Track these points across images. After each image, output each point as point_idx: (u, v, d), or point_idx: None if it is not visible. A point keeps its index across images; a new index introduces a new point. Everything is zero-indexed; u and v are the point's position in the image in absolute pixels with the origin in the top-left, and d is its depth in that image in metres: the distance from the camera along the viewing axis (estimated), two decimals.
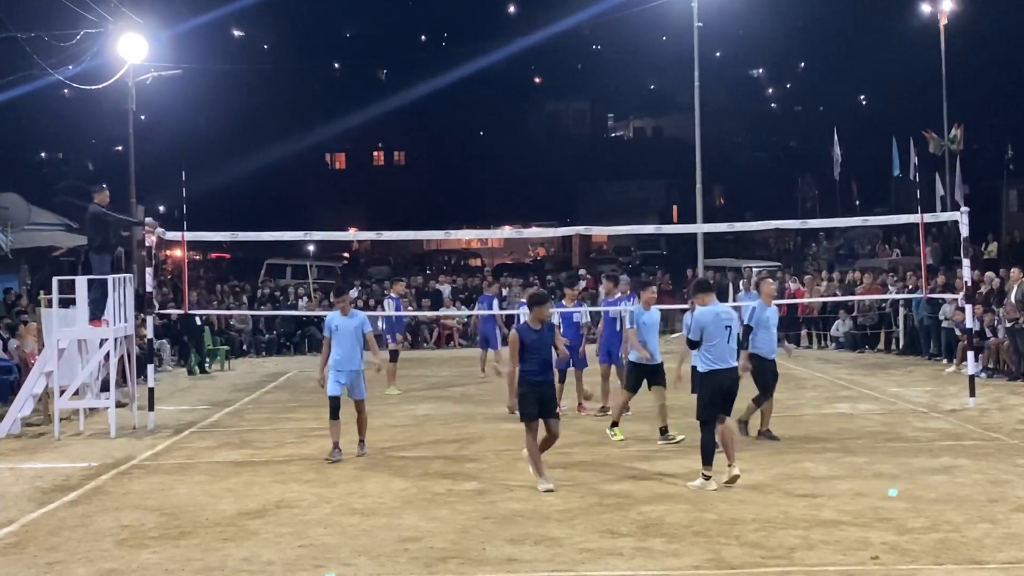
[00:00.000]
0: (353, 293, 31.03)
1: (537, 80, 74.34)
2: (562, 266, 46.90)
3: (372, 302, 29.62)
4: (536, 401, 10.35)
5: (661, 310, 18.31)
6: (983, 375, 17.90)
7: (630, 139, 75.70)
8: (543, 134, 68.00)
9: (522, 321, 11.89)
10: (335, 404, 12.06)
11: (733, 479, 10.26)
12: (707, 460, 10.31)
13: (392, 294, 20.44)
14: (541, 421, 10.34)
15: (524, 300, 15.72)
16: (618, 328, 15.04)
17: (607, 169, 62.75)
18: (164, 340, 23.54)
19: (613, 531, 8.82)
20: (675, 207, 60.92)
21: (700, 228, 29.05)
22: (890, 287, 24.89)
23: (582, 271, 36.81)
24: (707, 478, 10.22)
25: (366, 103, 59.14)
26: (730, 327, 10.41)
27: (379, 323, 19.77)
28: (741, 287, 27.94)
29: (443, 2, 66.90)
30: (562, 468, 10.97)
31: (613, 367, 15.03)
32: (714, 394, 10.45)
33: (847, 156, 42.22)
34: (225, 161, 52.96)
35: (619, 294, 15.71)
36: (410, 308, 22.88)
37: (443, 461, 12.00)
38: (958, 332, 19.41)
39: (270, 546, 8.62)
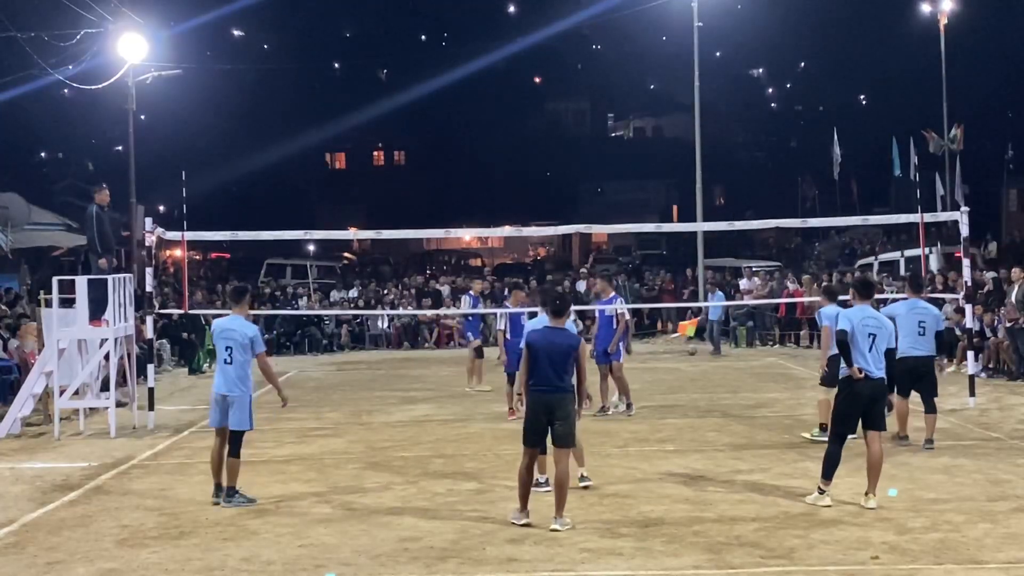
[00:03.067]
0: (353, 293, 31.23)
1: (537, 80, 74.26)
2: (562, 266, 46.88)
3: (373, 302, 29.73)
4: None
5: (662, 309, 18.41)
6: (983, 375, 17.90)
7: (630, 139, 75.64)
8: (543, 134, 67.93)
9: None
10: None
11: (829, 508, 9.41)
12: (825, 474, 9.55)
13: (471, 291, 20.55)
14: None
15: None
16: (614, 327, 15.15)
17: (607, 169, 62.69)
18: (164, 340, 23.55)
19: (613, 531, 8.82)
20: (675, 207, 60.90)
21: (700, 227, 29.10)
22: (884, 287, 24.84)
23: (583, 270, 36.82)
24: (821, 492, 9.52)
25: (366, 103, 59.07)
26: (874, 335, 9.45)
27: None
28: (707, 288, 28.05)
29: (443, 2, 66.87)
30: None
31: (612, 365, 15.11)
32: (850, 404, 9.52)
33: (847, 156, 42.22)
34: (225, 161, 52.93)
35: (612, 293, 15.80)
36: (490, 305, 22.87)
37: (443, 461, 12.00)
38: (958, 332, 19.41)
39: (270, 546, 8.62)
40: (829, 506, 9.42)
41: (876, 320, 9.65)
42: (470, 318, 19.61)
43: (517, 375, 9.09)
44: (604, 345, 15.17)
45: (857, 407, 9.53)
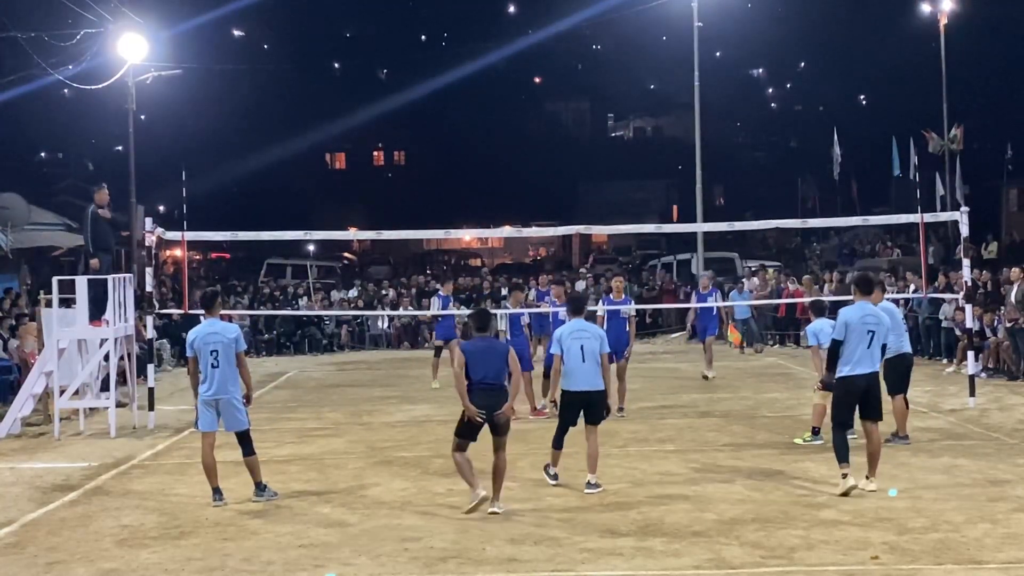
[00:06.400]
0: (353, 292, 31.21)
1: (537, 80, 74.26)
2: (562, 266, 46.89)
3: (375, 302, 29.71)
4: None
5: (663, 309, 18.26)
6: (983, 375, 17.89)
7: (630, 139, 75.64)
8: (543, 134, 67.93)
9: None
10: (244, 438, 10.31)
11: (855, 488, 9.80)
12: (841, 459, 9.88)
13: (440, 292, 20.84)
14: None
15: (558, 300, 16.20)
16: (627, 328, 15.22)
17: (607, 169, 62.69)
18: (164, 340, 23.56)
19: (613, 531, 8.82)
20: (675, 207, 60.91)
21: (700, 227, 29.11)
22: (887, 287, 24.86)
23: (583, 270, 36.84)
24: (844, 476, 9.85)
25: (366, 103, 59.10)
26: (873, 332, 9.85)
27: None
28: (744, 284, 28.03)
29: (443, 2, 66.88)
30: (563, 468, 10.96)
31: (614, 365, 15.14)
32: (844, 398, 9.98)
33: (847, 156, 42.20)
34: (225, 161, 52.95)
35: (623, 296, 15.96)
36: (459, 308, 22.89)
37: (443, 461, 11.96)
38: (958, 332, 19.41)
39: (270, 546, 8.62)
40: (855, 485, 9.76)
41: (875, 317, 10.01)
42: (440, 319, 19.81)
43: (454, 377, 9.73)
44: (614, 345, 15.16)
45: (852, 398, 9.97)
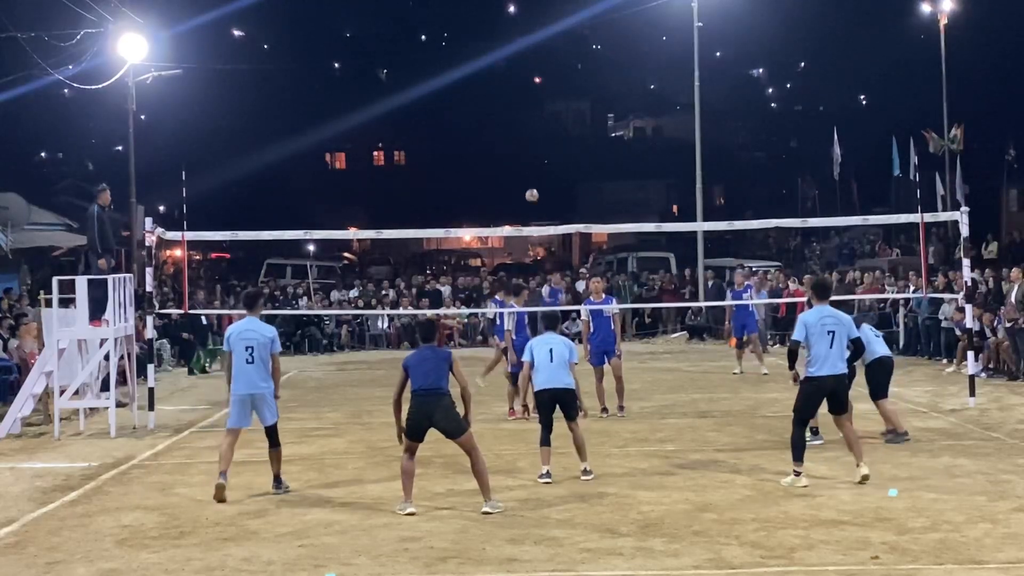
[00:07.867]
0: (353, 293, 31.21)
1: (537, 80, 74.25)
2: (562, 266, 46.85)
3: (374, 302, 29.73)
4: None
5: (663, 309, 18.10)
6: (983, 375, 17.90)
7: (630, 139, 75.60)
8: (543, 134, 67.91)
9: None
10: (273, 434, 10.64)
11: (863, 479, 10.20)
12: (797, 457, 10.29)
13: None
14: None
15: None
16: (612, 327, 15.22)
17: (607, 169, 62.63)
18: (164, 340, 23.55)
19: (613, 531, 8.82)
20: (675, 207, 60.88)
21: (700, 226, 29.11)
22: (887, 287, 24.87)
23: (583, 270, 36.80)
24: (797, 474, 10.24)
25: (366, 103, 59.06)
26: (833, 332, 10.26)
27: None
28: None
29: (443, 2, 66.88)
30: (561, 468, 10.98)
31: (606, 367, 15.14)
32: (810, 397, 10.44)
33: (847, 156, 42.16)
34: (225, 161, 52.90)
35: (603, 296, 15.89)
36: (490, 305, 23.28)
37: (443, 461, 11.99)
38: (958, 332, 19.41)
39: (270, 546, 8.62)
40: (806, 486, 10.05)
41: (834, 318, 10.40)
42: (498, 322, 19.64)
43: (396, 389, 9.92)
44: (603, 346, 15.21)
45: (819, 399, 10.45)
